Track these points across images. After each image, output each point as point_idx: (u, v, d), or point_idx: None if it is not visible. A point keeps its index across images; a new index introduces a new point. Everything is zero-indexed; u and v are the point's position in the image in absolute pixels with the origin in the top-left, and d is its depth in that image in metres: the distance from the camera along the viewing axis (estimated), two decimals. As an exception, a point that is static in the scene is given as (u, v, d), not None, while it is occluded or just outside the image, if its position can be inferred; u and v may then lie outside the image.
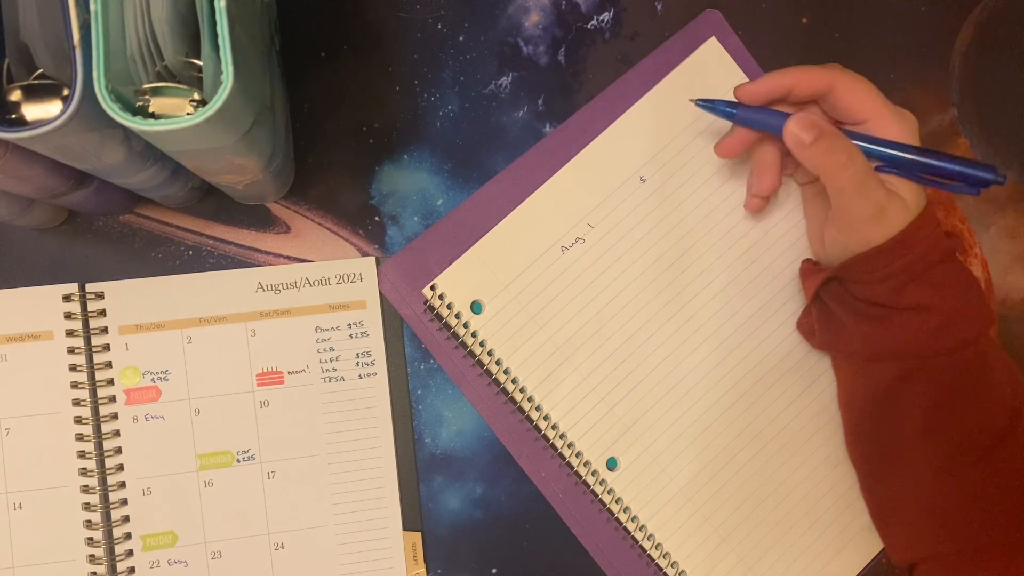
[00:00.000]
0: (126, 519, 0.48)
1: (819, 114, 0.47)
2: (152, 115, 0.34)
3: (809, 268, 0.50)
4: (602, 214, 0.51)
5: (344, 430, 0.50)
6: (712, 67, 0.53)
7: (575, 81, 0.53)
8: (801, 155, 0.44)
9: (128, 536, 0.48)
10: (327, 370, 0.50)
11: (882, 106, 0.45)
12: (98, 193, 0.45)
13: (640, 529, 0.51)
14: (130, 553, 0.48)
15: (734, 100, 0.46)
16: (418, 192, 0.52)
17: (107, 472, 0.48)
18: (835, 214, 0.46)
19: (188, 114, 0.33)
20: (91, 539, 0.48)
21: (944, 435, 0.45)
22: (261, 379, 0.50)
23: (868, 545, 0.52)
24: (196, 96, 0.35)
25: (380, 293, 0.51)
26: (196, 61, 0.35)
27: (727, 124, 0.48)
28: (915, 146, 0.45)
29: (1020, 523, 0.45)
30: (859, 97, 0.45)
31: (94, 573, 0.48)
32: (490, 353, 0.50)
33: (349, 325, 0.50)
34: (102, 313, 0.49)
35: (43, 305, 0.48)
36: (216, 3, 0.33)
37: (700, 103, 0.47)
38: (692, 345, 0.52)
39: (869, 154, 0.45)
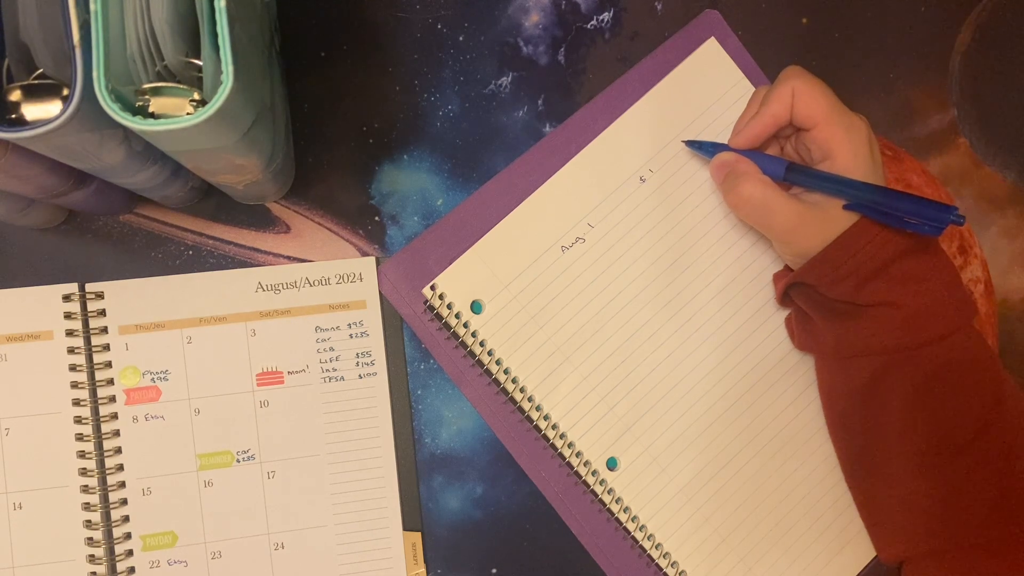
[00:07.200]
0: (126, 519, 0.48)
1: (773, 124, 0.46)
2: (152, 115, 0.34)
3: (780, 273, 0.51)
4: (602, 214, 0.51)
5: (344, 430, 0.50)
6: (711, 67, 0.53)
7: (575, 81, 0.53)
8: (720, 192, 0.49)
9: (128, 536, 0.48)
10: (327, 370, 0.50)
11: (832, 113, 0.44)
12: (98, 193, 0.45)
13: (640, 529, 0.51)
14: (130, 553, 0.48)
15: (720, 142, 0.49)
16: (418, 192, 0.52)
17: (107, 472, 0.48)
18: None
19: (188, 114, 0.33)
20: (91, 539, 0.48)
21: (921, 431, 0.45)
22: (261, 379, 0.50)
23: (868, 545, 0.52)
24: (196, 96, 0.35)
25: (380, 293, 0.51)
26: (196, 61, 0.35)
27: (724, 125, 0.50)
28: (873, 185, 0.43)
29: (999, 521, 0.44)
30: (807, 103, 0.44)
31: (94, 573, 0.48)
32: (490, 353, 0.50)
33: (349, 325, 0.50)
34: (102, 313, 0.49)
35: (43, 305, 0.48)
36: (216, 3, 0.33)
37: (689, 144, 0.51)
38: (692, 345, 0.52)
39: (837, 194, 0.44)
